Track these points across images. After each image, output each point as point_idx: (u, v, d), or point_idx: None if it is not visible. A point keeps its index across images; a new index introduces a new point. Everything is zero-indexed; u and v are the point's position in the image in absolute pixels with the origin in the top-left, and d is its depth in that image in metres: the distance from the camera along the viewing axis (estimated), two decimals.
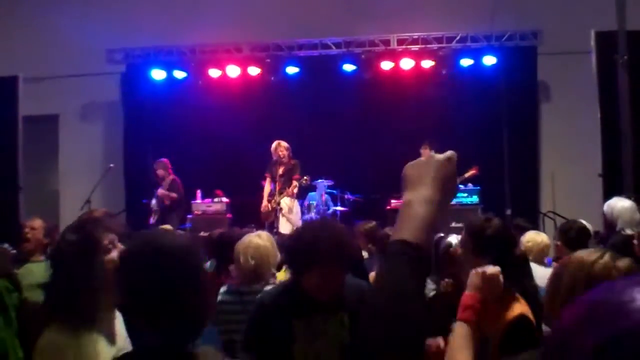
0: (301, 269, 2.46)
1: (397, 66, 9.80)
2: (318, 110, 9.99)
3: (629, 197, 5.22)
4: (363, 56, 9.92)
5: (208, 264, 4.84)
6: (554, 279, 1.81)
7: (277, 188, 8.42)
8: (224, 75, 10.15)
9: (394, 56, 9.80)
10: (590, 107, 8.33)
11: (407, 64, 9.76)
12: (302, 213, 8.97)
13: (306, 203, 9.19)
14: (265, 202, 8.64)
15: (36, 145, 10.27)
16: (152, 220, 9.04)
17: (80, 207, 8.46)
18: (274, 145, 8.57)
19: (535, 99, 9.97)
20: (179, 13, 10.33)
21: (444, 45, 9.68)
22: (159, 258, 1.52)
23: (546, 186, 9.87)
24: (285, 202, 8.48)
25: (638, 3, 7.72)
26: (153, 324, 1.51)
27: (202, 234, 8.16)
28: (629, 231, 4.70)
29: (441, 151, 1.25)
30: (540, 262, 4.70)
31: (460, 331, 2.03)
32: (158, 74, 10.26)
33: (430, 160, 1.19)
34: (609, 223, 5.06)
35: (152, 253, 1.54)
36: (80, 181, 9.73)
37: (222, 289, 3.58)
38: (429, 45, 9.72)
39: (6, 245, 4.50)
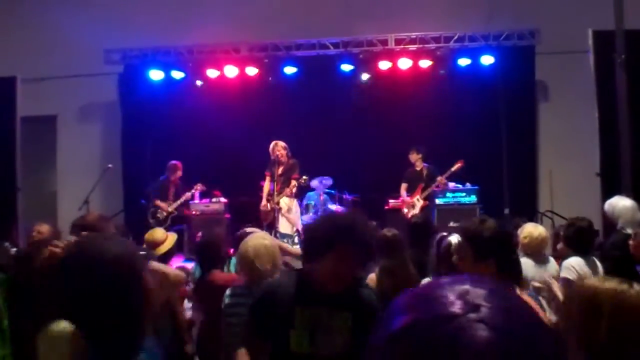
0: (316, 255, 2.48)
1: (394, 66, 9.80)
2: (316, 110, 9.99)
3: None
4: (361, 56, 9.92)
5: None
6: (587, 310, 1.79)
7: (276, 188, 8.43)
8: (222, 76, 10.14)
9: (392, 56, 9.79)
10: (588, 107, 8.35)
11: (404, 63, 9.75)
12: (301, 213, 8.98)
13: (304, 203, 9.19)
14: (264, 201, 8.65)
15: (34, 146, 10.26)
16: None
17: (78, 208, 8.46)
18: (271, 145, 8.58)
19: (533, 98, 9.97)
20: (176, 13, 10.32)
21: (441, 44, 9.68)
22: (95, 265, 1.47)
23: (544, 185, 9.87)
24: (285, 201, 8.48)
25: (636, 2, 7.73)
26: (91, 334, 1.47)
27: (199, 234, 8.17)
28: (629, 230, 4.71)
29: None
30: (539, 258, 4.57)
31: None
32: (156, 75, 10.24)
33: None
34: (610, 222, 5.07)
35: (88, 260, 1.49)
36: (78, 182, 9.73)
37: (229, 292, 3.57)
38: (426, 45, 9.72)
39: (7, 244, 4.50)
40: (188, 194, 9.11)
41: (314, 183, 9.12)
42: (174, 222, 9.00)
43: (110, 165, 9.29)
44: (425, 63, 9.75)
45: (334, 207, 9.20)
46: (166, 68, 10.23)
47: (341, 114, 9.95)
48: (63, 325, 1.92)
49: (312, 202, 9.22)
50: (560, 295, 3.81)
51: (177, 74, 10.26)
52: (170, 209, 9.14)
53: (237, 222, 7.93)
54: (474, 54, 9.67)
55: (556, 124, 9.80)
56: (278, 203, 8.39)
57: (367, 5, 10.10)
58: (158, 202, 9.16)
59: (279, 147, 8.51)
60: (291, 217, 8.47)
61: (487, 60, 9.62)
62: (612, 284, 1.78)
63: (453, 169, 8.67)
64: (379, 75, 9.93)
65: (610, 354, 1.67)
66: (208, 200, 9.30)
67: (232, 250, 5.15)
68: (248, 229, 4.79)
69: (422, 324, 0.66)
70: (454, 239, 3.75)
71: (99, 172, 9.30)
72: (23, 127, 9.33)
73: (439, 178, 8.72)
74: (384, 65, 9.82)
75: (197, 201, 9.26)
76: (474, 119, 9.51)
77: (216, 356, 3.89)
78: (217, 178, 9.59)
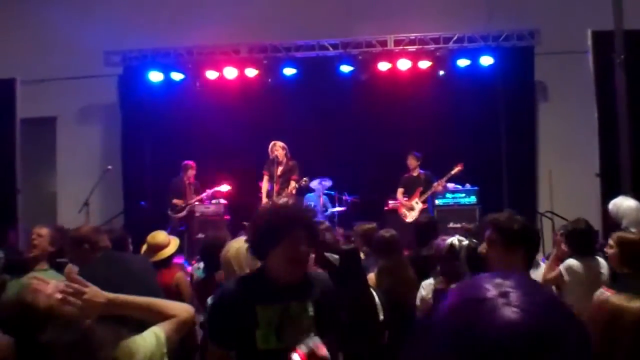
0: (268, 248, 2.48)
1: (394, 67, 9.80)
2: (316, 111, 9.99)
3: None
4: (360, 57, 9.93)
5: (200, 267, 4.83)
6: (610, 326, 1.82)
7: (276, 189, 8.43)
8: (222, 77, 10.15)
9: (391, 57, 9.80)
10: (588, 107, 8.35)
11: (404, 64, 9.76)
12: None
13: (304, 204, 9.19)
14: (265, 200, 8.67)
15: (34, 148, 10.27)
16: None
17: (78, 210, 8.47)
18: (270, 145, 8.59)
19: (533, 98, 9.97)
20: (176, 15, 10.33)
21: (441, 45, 9.69)
22: None
23: (544, 186, 9.87)
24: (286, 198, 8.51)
25: (635, 3, 7.74)
26: None
27: (199, 235, 8.19)
28: (633, 230, 4.71)
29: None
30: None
31: None
32: (155, 76, 10.25)
33: None
34: (614, 221, 5.06)
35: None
36: (78, 183, 9.73)
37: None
38: (426, 46, 9.72)
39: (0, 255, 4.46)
40: (209, 191, 9.12)
41: (314, 184, 9.12)
42: (185, 219, 9.01)
43: (110, 167, 9.29)
44: (424, 64, 9.75)
45: (334, 208, 9.21)
46: (166, 70, 10.23)
47: (340, 114, 9.96)
48: None
49: (312, 204, 9.21)
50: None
51: (177, 76, 10.27)
52: (190, 202, 9.15)
53: (237, 224, 7.93)
54: (474, 55, 9.67)
55: (556, 125, 9.80)
56: (275, 193, 8.44)
57: (367, 7, 10.11)
58: (175, 201, 9.18)
59: (277, 147, 8.52)
60: None
61: (486, 60, 9.63)
62: (637, 303, 1.82)
63: (453, 172, 8.65)
64: (378, 76, 9.93)
65: None
66: (208, 201, 9.31)
67: None
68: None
69: (464, 303, 0.83)
70: (455, 240, 3.76)
71: (98, 174, 9.29)
72: (23, 128, 9.33)
73: (435, 184, 8.70)
74: (383, 66, 9.83)
75: (197, 203, 9.27)
76: (473, 119, 9.51)
77: None
78: (216, 179, 9.59)
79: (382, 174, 9.58)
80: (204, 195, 9.17)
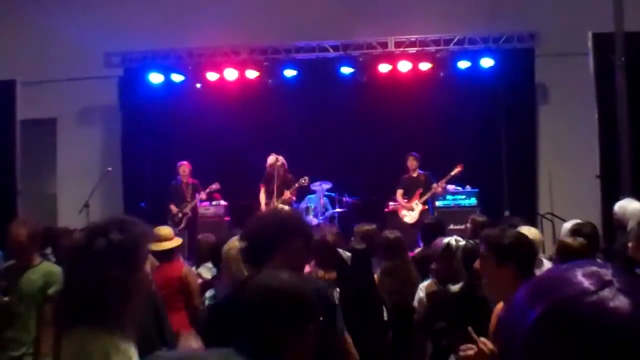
0: (264, 256, 2.43)
1: (394, 69, 9.80)
2: (316, 113, 9.99)
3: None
4: (361, 59, 9.93)
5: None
6: None
7: (274, 199, 8.51)
8: (222, 79, 10.14)
9: (392, 59, 9.80)
10: (588, 109, 8.35)
11: (404, 66, 9.75)
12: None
13: (304, 205, 9.20)
14: (264, 207, 8.71)
15: (34, 149, 10.25)
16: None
17: (78, 211, 8.46)
18: (271, 159, 8.60)
19: (533, 100, 9.97)
20: (176, 16, 10.32)
21: (441, 47, 9.69)
22: None
23: (544, 188, 9.86)
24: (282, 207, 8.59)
25: (635, 5, 7.75)
26: None
27: (199, 236, 8.16)
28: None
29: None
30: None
31: None
32: (156, 78, 10.24)
33: None
34: (620, 224, 5.05)
35: None
36: (78, 185, 9.72)
37: (209, 294, 3.55)
38: (426, 48, 9.73)
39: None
40: (200, 195, 9.10)
41: (314, 186, 9.14)
42: (188, 226, 8.99)
43: (110, 169, 9.28)
44: (425, 66, 9.75)
45: (334, 210, 9.20)
46: (166, 71, 10.23)
47: (341, 116, 9.95)
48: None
49: (312, 205, 9.22)
50: None
51: (177, 77, 10.26)
52: (185, 210, 9.12)
53: (237, 225, 7.92)
54: (474, 57, 9.67)
55: (556, 126, 9.79)
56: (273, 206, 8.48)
57: (367, 8, 10.10)
58: (171, 207, 9.17)
59: (278, 165, 8.58)
60: None
61: (486, 62, 9.63)
62: None
63: (452, 173, 8.65)
64: (379, 78, 9.93)
65: None
66: (208, 203, 9.30)
67: None
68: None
69: (562, 304, 0.71)
70: (452, 240, 3.76)
71: (98, 175, 9.29)
72: (23, 130, 9.32)
73: (434, 185, 8.70)
74: (383, 68, 9.82)
75: (197, 204, 9.27)
76: (473, 121, 9.51)
77: None
78: (217, 181, 9.59)
79: (382, 175, 9.58)
80: (197, 200, 9.13)
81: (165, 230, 4.71)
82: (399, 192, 8.99)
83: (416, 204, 8.82)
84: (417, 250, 5.62)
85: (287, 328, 1.62)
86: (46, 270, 3.89)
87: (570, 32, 8.90)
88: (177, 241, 4.71)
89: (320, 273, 3.61)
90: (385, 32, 9.87)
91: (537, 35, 9.33)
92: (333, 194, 9.35)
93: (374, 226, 5.47)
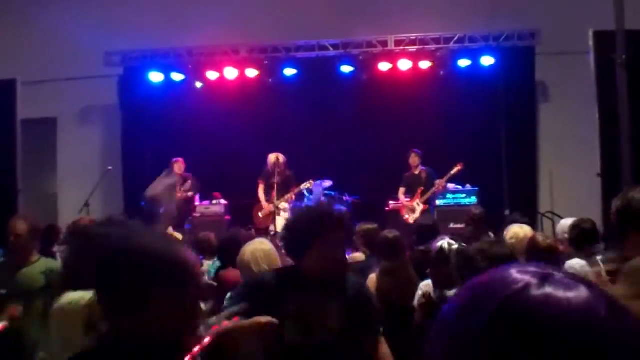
0: (304, 247, 2.49)
1: (394, 67, 9.79)
2: (316, 111, 9.99)
3: None
4: (361, 57, 9.91)
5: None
6: None
7: (274, 194, 8.51)
8: (222, 78, 10.14)
9: (392, 57, 9.79)
10: (589, 107, 8.32)
11: (404, 65, 9.74)
12: None
13: (305, 204, 9.19)
14: (264, 203, 8.72)
15: (34, 149, 10.25)
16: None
17: (79, 210, 8.46)
18: (273, 157, 8.59)
19: (534, 99, 9.95)
20: (176, 15, 10.32)
21: (441, 46, 9.68)
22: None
23: (545, 186, 9.85)
24: (283, 205, 8.60)
25: (636, 2, 7.71)
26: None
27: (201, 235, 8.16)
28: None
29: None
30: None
31: None
32: (156, 77, 10.24)
33: None
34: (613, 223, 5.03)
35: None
36: (78, 184, 9.73)
37: (230, 295, 3.56)
38: (426, 46, 9.71)
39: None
40: (186, 194, 9.09)
41: (314, 185, 9.14)
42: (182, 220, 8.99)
43: (110, 168, 9.28)
44: (425, 64, 9.74)
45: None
46: (166, 70, 10.23)
47: (341, 115, 9.94)
48: (75, 297, 1.95)
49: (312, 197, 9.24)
50: None
51: (177, 76, 10.26)
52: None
53: (238, 224, 7.93)
54: (474, 55, 9.66)
55: (556, 125, 9.78)
56: (277, 207, 8.49)
57: (367, 7, 10.09)
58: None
59: (280, 164, 8.56)
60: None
61: (487, 61, 9.61)
62: None
63: (452, 172, 8.65)
64: (379, 77, 9.92)
65: None
66: (208, 202, 9.30)
67: None
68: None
69: (510, 300, 0.69)
70: (445, 243, 3.73)
71: (99, 175, 9.29)
72: (23, 129, 9.30)
73: (437, 182, 8.70)
74: (383, 66, 9.81)
75: (197, 203, 9.27)
76: (474, 120, 9.50)
77: None
78: (217, 180, 9.59)
79: (382, 174, 9.57)
80: (188, 195, 9.14)
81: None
82: (402, 190, 8.98)
83: (417, 204, 8.81)
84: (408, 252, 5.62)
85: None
86: (46, 266, 3.90)
87: (570, 30, 8.87)
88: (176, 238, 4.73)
89: None
90: (385, 31, 9.85)
91: (537, 33, 9.31)
92: (333, 193, 9.33)
93: (375, 225, 5.47)
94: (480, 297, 0.72)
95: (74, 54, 10.07)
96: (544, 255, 3.64)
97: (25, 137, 9.40)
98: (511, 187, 9.57)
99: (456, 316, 0.73)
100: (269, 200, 8.70)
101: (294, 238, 2.56)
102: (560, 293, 0.68)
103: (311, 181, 8.58)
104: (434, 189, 8.74)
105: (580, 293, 0.69)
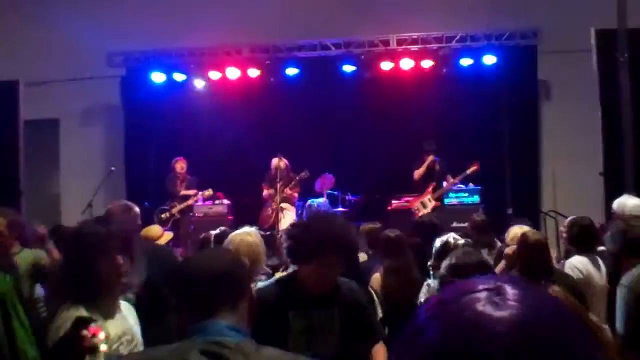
0: (305, 259, 2.51)
1: (396, 66, 9.78)
2: (318, 111, 9.99)
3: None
4: (363, 57, 9.91)
5: None
6: None
7: (277, 198, 8.55)
8: (224, 78, 10.15)
9: (394, 56, 9.78)
10: (591, 106, 8.32)
11: (406, 64, 9.74)
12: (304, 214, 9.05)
13: (307, 203, 9.20)
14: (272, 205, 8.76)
15: (37, 149, 10.28)
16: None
17: (81, 211, 8.48)
18: (276, 161, 8.62)
19: (536, 97, 9.94)
20: (178, 16, 10.32)
21: (443, 45, 9.67)
22: None
23: (547, 185, 9.85)
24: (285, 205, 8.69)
25: (638, 1, 7.70)
26: None
27: (203, 235, 8.17)
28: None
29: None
30: None
31: None
32: (158, 77, 10.25)
33: None
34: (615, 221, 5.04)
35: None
36: (81, 184, 9.74)
37: None
38: (428, 45, 9.70)
39: None
40: (190, 201, 9.12)
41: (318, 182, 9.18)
42: (175, 226, 8.99)
43: (113, 168, 9.29)
44: (427, 63, 9.74)
45: (337, 208, 9.19)
46: (168, 70, 10.24)
47: (343, 114, 9.94)
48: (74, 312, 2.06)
49: (315, 203, 9.22)
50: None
51: (179, 76, 10.27)
52: (174, 211, 9.16)
53: (240, 224, 7.92)
54: (476, 54, 9.64)
55: (559, 123, 9.77)
56: (279, 204, 8.52)
57: (369, 6, 10.08)
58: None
59: (282, 167, 8.61)
60: (289, 217, 8.60)
61: (489, 60, 9.60)
62: None
63: (468, 171, 8.55)
64: (381, 76, 9.92)
65: None
66: (211, 202, 9.30)
67: None
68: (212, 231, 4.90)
69: (455, 295, 0.72)
70: (450, 238, 3.75)
71: (102, 175, 9.31)
72: (26, 130, 9.34)
73: (451, 180, 8.64)
74: (385, 65, 9.81)
75: (200, 203, 9.27)
76: (476, 118, 9.48)
77: None
78: (219, 180, 9.60)
79: (385, 173, 9.57)
80: (185, 204, 9.15)
81: (154, 229, 4.80)
82: (417, 172, 8.79)
83: (429, 199, 8.73)
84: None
85: None
86: (26, 257, 3.95)
87: (573, 29, 8.86)
88: (165, 238, 4.77)
89: None
90: (387, 30, 9.85)
91: (539, 32, 9.30)
92: (335, 192, 9.34)
93: (378, 225, 5.48)
94: (440, 312, 0.73)
95: (77, 55, 10.08)
96: (533, 250, 3.71)
97: (28, 138, 9.43)
98: (514, 185, 9.56)
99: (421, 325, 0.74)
100: (271, 204, 8.75)
101: (299, 247, 2.56)
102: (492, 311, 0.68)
103: (307, 171, 8.61)
104: (445, 187, 8.68)
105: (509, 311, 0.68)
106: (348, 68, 9.93)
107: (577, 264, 4.22)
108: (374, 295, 3.76)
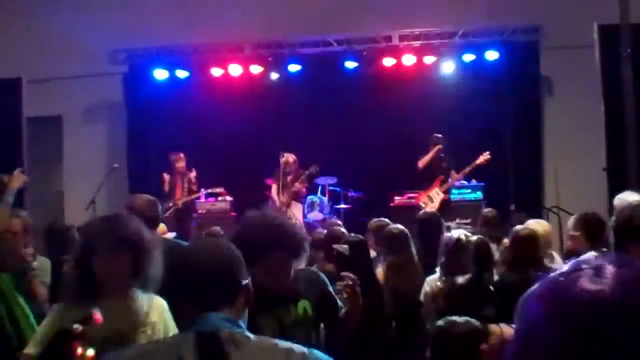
0: (252, 261, 2.45)
1: (399, 62, 9.78)
2: (320, 107, 9.98)
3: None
4: (365, 53, 9.91)
5: None
6: None
7: (285, 194, 8.57)
8: (226, 74, 10.16)
9: (396, 52, 9.78)
10: (594, 101, 8.29)
11: (409, 60, 9.74)
12: (306, 211, 9.06)
13: (309, 200, 9.22)
14: (277, 202, 8.77)
15: (40, 147, 10.28)
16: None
17: (85, 208, 8.50)
18: (285, 158, 8.64)
19: (538, 93, 9.93)
20: (180, 13, 10.33)
21: (446, 40, 9.66)
22: None
23: (550, 181, 9.83)
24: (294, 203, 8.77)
25: None
26: None
27: (209, 230, 8.22)
28: None
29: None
30: (546, 256, 4.51)
31: None
32: (160, 74, 10.27)
33: None
34: None
35: None
36: (84, 182, 9.76)
37: None
38: (430, 41, 9.69)
39: None
40: (193, 196, 9.11)
41: (319, 181, 9.17)
42: (179, 219, 8.99)
43: (116, 165, 9.31)
44: (429, 59, 9.73)
45: (338, 205, 9.21)
46: (171, 67, 10.26)
47: (345, 110, 9.94)
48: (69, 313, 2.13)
49: (317, 200, 9.24)
50: None
51: (182, 73, 10.29)
52: (179, 203, 9.13)
53: None
54: (479, 50, 9.63)
55: (561, 119, 9.75)
56: (288, 200, 8.56)
57: (371, 2, 10.07)
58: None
59: (290, 164, 8.65)
60: (297, 213, 8.63)
61: (491, 55, 9.59)
62: None
63: (477, 162, 8.46)
64: (383, 72, 9.91)
65: None
66: (214, 198, 9.32)
67: None
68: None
69: (559, 281, 0.83)
70: (462, 235, 3.77)
71: (105, 172, 9.32)
72: (29, 127, 9.34)
73: (457, 175, 8.60)
74: (388, 61, 9.81)
75: (203, 200, 9.29)
76: (478, 114, 9.46)
77: None
78: (222, 176, 9.61)
79: (387, 170, 9.56)
80: (191, 197, 9.13)
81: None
82: (422, 160, 8.77)
83: (437, 192, 8.69)
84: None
85: None
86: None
87: (575, 24, 8.84)
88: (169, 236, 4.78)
89: (328, 266, 3.63)
90: (389, 26, 9.84)
91: (542, 27, 9.28)
92: (338, 189, 9.35)
93: (386, 221, 5.47)
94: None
95: (79, 52, 10.09)
96: (522, 243, 3.86)
97: (31, 135, 9.43)
98: (516, 182, 9.55)
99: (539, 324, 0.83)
100: (279, 199, 8.77)
101: (243, 252, 2.54)
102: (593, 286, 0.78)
103: (314, 166, 8.61)
104: (453, 180, 8.63)
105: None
106: (350, 64, 9.93)
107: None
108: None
